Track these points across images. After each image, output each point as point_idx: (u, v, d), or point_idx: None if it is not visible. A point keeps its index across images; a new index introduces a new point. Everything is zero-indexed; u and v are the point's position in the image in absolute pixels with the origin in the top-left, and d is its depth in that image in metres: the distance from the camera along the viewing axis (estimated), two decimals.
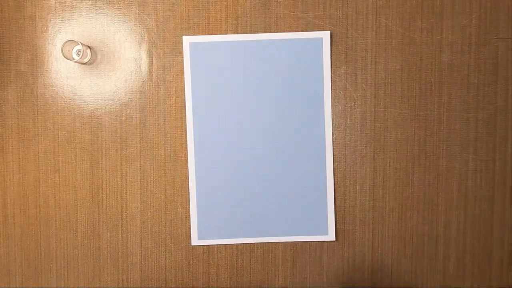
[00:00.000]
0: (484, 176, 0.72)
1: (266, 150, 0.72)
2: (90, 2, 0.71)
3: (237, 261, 0.73)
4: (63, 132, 0.71)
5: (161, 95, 0.71)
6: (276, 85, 0.71)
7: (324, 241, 0.73)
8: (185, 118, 0.71)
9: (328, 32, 0.71)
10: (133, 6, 0.71)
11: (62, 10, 0.70)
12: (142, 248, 0.73)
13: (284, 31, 0.71)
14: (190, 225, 0.72)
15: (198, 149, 0.71)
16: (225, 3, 0.70)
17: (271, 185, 0.72)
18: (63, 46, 0.66)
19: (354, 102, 0.72)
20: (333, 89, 0.71)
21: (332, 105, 0.71)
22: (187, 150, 0.72)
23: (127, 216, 0.72)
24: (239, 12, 0.71)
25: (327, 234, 0.73)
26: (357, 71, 0.71)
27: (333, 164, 0.72)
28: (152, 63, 0.71)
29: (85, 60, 0.69)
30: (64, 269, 0.73)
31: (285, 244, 0.73)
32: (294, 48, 0.71)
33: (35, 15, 0.70)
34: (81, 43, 0.67)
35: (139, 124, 0.71)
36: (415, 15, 0.71)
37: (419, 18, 0.71)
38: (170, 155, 0.72)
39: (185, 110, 0.71)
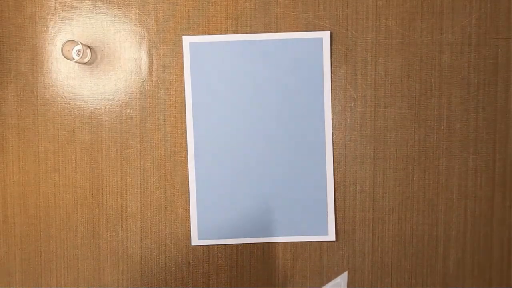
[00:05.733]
0: (484, 176, 0.72)
1: (266, 150, 0.72)
2: (90, 2, 0.71)
3: (237, 261, 0.73)
4: (63, 132, 0.71)
5: (161, 95, 0.71)
6: (276, 85, 0.71)
7: (324, 241, 0.73)
8: (185, 118, 0.71)
9: (328, 32, 0.71)
10: (133, 6, 0.71)
11: (62, 10, 0.71)
12: (142, 248, 0.73)
13: (284, 31, 0.71)
14: (190, 225, 0.72)
15: (198, 149, 0.71)
16: (225, 3, 0.70)
17: (271, 185, 0.72)
18: (63, 46, 0.66)
19: (354, 102, 0.72)
20: (333, 89, 0.71)
21: (332, 105, 0.71)
22: (187, 150, 0.72)
23: (127, 216, 0.72)
24: (239, 12, 0.71)
25: (327, 234, 0.73)
26: (357, 71, 0.71)
27: (333, 164, 0.72)
28: (152, 63, 0.71)
29: (85, 60, 0.69)
30: (64, 269, 0.73)
31: (285, 244, 0.73)
32: (294, 48, 0.71)
33: (35, 15, 0.70)
34: (81, 43, 0.67)
35: (139, 124, 0.71)
36: (415, 15, 0.71)
37: (419, 18, 0.71)
38: (170, 155, 0.72)
39: (185, 110, 0.71)
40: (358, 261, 0.73)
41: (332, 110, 0.72)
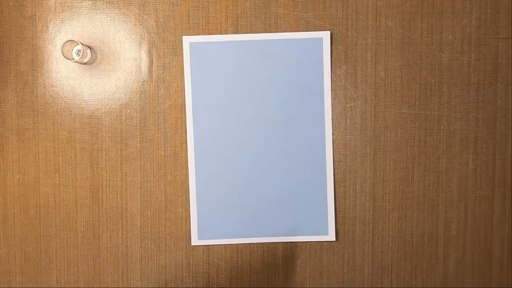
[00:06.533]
0: (484, 176, 0.72)
1: (266, 150, 0.72)
2: (90, 2, 0.71)
3: (237, 261, 0.73)
4: (63, 132, 0.71)
5: (161, 95, 0.71)
6: (276, 85, 0.71)
7: (324, 241, 0.73)
8: (185, 118, 0.71)
9: (328, 32, 0.71)
10: (133, 6, 0.71)
11: (62, 10, 0.71)
12: (142, 248, 0.73)
13: (284, 31, 0.71)
14: (190, 225, 0.72)
15: (198, 149, 0.71)
16: (225, 3, 0.70)
17: (271, 185, 0.72)
18: (63, 46, 0.66)
19: (354, 102, 0.72)
20: (333, 89, 0.71)
21: (332, 105, 0.71)
22: (187, 150, 0.72)
23: (127, 216, 0.72)
24: (239, 12, 0.71)
25: (327, 234, 0.73)
26: (357, 71, 0.71)
27: (333, 164, 0.72)
28: (152, 63, 0.71)
29: (85, 60, 0.69)
30: (64, 269, 0.73)
31: (285, 244, 0.73)
32: (294, 48, 0.71)
33: (35, 15, 0.70)
34: (81, 43, 0.67)
35: (139, 124, 0.71)
36: (415, 15, 0.71)
37: (419, 18, 0.71)
38: (170, 155, 0.72)
39: (185, 110, 0.71)
40: (358, 261, 0.73)
41: (332, 110, 0.72)
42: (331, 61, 0.71)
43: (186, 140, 0.72)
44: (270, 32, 0.71)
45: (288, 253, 0.73)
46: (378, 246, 0.73)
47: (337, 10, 0.71)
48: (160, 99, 0.71)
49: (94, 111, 0.71)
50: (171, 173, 0.72)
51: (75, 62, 0.68)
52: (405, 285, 0.73)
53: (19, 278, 0.72)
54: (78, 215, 0.72)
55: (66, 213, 0.72)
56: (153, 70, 0.71)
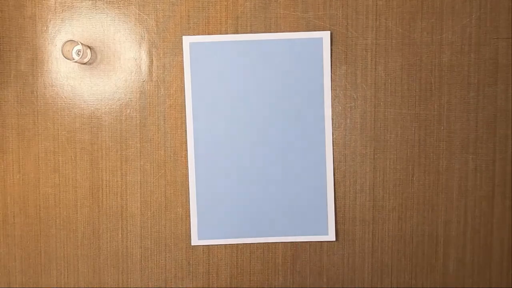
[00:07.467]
0: (484, 176, 0.72)
1: (266, 150, 0.72)
2: (90, 2, 0.71)
3: (237, 261, 0.73)
4: (63, 132, 0.71)
5: (161, 95, 0.71)
6: (276, 85, 0.71)
7: (324, 241, 0.73)
8: (185, 118, 0.71)
9: (328, 32, 0.71)
10: (133, 6, 0.71)
11: (62, 10, 0.71)
12: (142, 248, 0.73)
13: (284, 31, 0.71)
14: (190, 225, 0.72)
15: (198, 149, 0.71)
16: (225, 3, 0.70)
17: (271, 185, 0.72)
18: (63, 46, 0.66)
19: (354, 102, 0.72)
20: (333, 89, 0.71)
21: (332, 105, 0.71)
22: (187, 150, 0.72)
23: (127, 216, 0.72)
24: (239, 12, 0.71)
25: (327, 234, 0.73)
26: (357, 71, 0.71)
27: (333, 164, 0.72)
28: (152, 63, 0.71)
29: (85, 60, 0.69)
30: (64, 269, 0.73)
31: (285, 244, 0.73)
32: (294, 48, 0.71)
33: (35, 15, 0.70)
34: (81, 43, 0.67)
35: (139, 124, 0.71)
36: (415, 15, 0.71)
37: (419, 18, 0.71)
38: (170, 155, 0.72)
39: (185, 110, 0.71)
40: (358, 261, 0.73)
41: (332, 110, 0.72)
42: (331, 61, 0.71)
43: (186, 140, 0.72)
44: (270, 32, 0.71)
45: (288, 253, 0.73)
46: (378, 246, 0.73)
47: (337, 10, 0.71)
48: (160, 99, 0.71)
49: (94, 111, 0.71)
50: (171, 173, 0.72)
51: (75, 62, 0.68)
52: (405, 285, 0.73)
53: (19, 278, 0.72)
54: (78, 215, 0.72)
55: (66, 213, 0.72)
56: (153, 70, 0.71)
